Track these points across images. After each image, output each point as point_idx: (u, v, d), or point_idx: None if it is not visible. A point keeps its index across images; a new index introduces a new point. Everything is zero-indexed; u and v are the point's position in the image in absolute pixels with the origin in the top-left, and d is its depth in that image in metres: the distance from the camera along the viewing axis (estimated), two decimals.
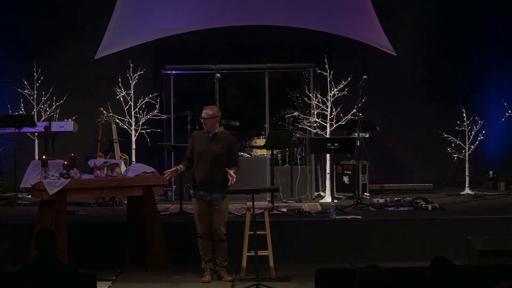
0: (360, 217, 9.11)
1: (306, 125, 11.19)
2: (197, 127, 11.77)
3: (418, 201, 9.94)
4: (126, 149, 11.10)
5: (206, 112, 7.80)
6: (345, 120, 10.85)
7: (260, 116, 11.56)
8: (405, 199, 10.14)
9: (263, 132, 11.50)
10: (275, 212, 9.38)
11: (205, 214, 7.81)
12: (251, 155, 11.55)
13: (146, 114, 11.29)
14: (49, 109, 11.57)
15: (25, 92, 11.63)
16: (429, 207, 9.68)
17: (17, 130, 10.63)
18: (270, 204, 9.23)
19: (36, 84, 11.66)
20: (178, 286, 7.78)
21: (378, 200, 10.25)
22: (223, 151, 7.74)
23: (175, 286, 7.78)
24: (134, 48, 12.08)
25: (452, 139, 11.32)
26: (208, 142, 7.77)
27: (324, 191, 11.06)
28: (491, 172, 12.03)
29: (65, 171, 7.98)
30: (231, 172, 7.63)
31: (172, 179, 8.46)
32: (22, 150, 11.14)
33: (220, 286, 7.72)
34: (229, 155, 7.79)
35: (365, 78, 10.31)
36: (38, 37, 12.53)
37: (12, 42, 12.56)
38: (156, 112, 11.30)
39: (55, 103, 11.60)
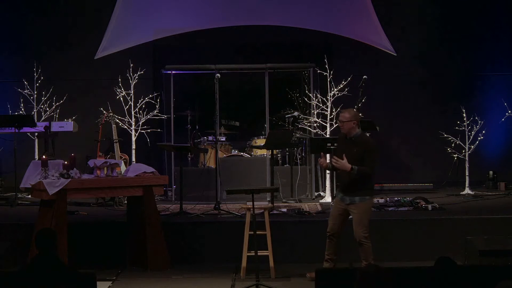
0: None
1: (306, 125, 11.19)
2: (197, 127, 11.79)
3: (418, 201, 9.93)
4: (126, 149, 11.10)
5: (343, 115, 7.61)
6: None
7: (260, 116, 11.55)
8: (405, 199, 10.13)
9: (263, 132, 11.50)
10: (275, 212, 9.38)
11: (336, 214, 7.69)
12: (251, 155, 11.55)
13: (146, 114, 11.28)
14: (49, 109, 11.57)
15: (25, 92, 11.63)
16: (429, 207, 9.68)
17: (17, 130, 10.62)
18: (270, 204, 9.22)
19: (36, 84, 11.66)
20: (178, 286, 7.78)
21: (378, 200, 10.24)
22: (359, 154, 7.49)
23: (175, 286, 7.77)
24: (134, 48, 12.08)
25: (452, 139, 11.32)
26: (346, 145, 7.61)
27: (324, 191, 11.05)
28: (491, 172, 12.03)
29: (65, 171, 7.98)
30: (345, 162, 7.41)
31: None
32: (22, 150, 11.14)
33: (219, 285, 7.72)
34: (364, 157, 7.50)
35: (365, 78, 10.30)
36: (38, 37, 12.53)
37: (12, 42, 12.56)
38: (156, 112, 11.30)
39: (55, 103, 11.60)
